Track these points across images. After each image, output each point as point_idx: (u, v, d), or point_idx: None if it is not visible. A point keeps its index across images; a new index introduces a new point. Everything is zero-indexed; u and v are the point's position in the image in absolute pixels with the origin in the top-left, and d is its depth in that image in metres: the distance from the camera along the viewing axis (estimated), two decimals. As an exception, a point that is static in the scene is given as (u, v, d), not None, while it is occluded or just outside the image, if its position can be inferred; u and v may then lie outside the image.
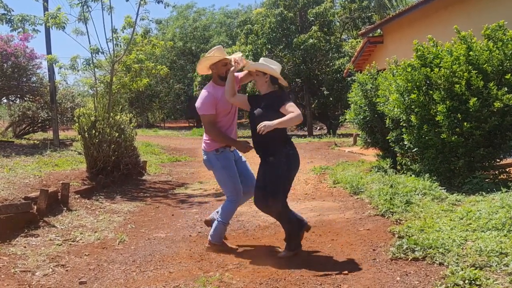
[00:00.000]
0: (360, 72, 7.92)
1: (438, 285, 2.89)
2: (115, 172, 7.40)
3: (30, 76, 11.13)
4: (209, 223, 4.19)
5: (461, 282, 2.83)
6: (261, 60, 3.83)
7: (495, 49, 5.37)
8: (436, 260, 3.27)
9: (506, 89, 5.19)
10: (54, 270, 3.56)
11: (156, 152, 13.08)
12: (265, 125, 3.43)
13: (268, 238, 4.36)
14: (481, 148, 5.35)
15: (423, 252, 3.39)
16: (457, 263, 3.13)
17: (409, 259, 3.38)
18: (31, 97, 11.73)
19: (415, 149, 5.95)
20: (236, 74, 3.94)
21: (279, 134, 3.62)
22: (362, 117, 7.51)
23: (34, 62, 10.94)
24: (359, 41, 18.77)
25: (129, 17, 7.82)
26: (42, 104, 11.77)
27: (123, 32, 7.90)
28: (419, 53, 5.76)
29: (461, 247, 3.36)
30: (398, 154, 7.29)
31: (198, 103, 3.96)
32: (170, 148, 14.86)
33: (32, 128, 12.51)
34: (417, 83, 5.67)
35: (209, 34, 33.62)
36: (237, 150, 4.07)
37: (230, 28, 33.55)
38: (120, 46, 8.11)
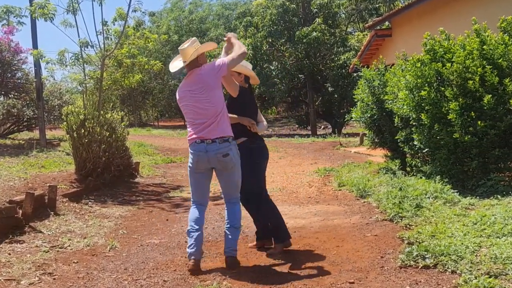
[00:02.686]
0: (367, 68, 7.92)
1: (450, 294, 2.89)
2: (106, 174, 7.40)
3: (15, 71, 11.14)
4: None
5: (475, 292, 2.83)
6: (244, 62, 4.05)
7: (511, 42, 5.37)
8: (448, 268, 3.26)
9: (522, 85, 5.19)
10: (41, 279, 3.55)
11: (149, 152, 13.08)
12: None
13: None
14: (496, 149, 5.35)
15: (434, 260, 3.38)
16: (471, 271, 3.12)
17: (420, 267, 3.37)
18: (16, 94, 11.74)
19: (426, 149, 5.95)
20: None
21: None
22: (369, 115, 7.51)
23: (19, 56, 10.95)
24: (366, 34, 18.77)
25: (120, 9, 7.82)
26: (27, 102, 11.77)
27: (114, 24, 7.91)
28: (428, 47, 5.76)
29: (475, 254, 3.36)
30: (407, 155, 7.29)
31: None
32: (164, 148, 14.86)
33: (17, 127, 12.51)
34: (428, 79, 5.67)
35: (206, 27, 33.62)
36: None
37: (229, 21, 33.53)
38: (111, 40, 8.11)
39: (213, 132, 3.63)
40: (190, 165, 3.78)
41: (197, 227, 3.67)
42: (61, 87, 14.05)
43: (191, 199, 3.87)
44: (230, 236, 3.71)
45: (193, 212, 3.76)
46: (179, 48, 3.80)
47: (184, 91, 3.76)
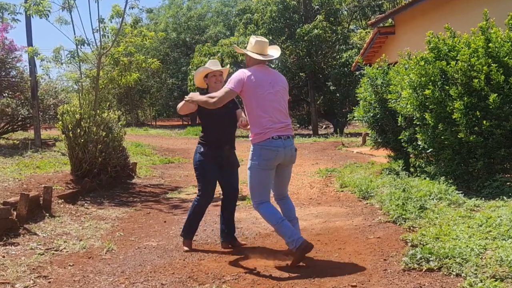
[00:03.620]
0: (370, 66, 7.92)
1: (455, 298, 2.89)
2: (102, 175, 7.40)
3: (9, 70, 11.13)
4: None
5: (480, 295, 2.83)
6: (209, 63, 4.37)
7: (517, 40, 5.37)
8: (452, 271, 3.27)
9: (529, 84, 5.19)
10: (36, 282, 3.55)
11: (147, 153, 13.09)
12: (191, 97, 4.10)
13: (270, 247, 4.36)
14: (502, 149, 5.35)
15: (438, 262, 3.39)
16: (476, 274, 3.13)
17: (423, 270, 3.38)
18: (10, 93, 11.72)
19: (430, 149, 5.96)
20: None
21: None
22: (372, 114, 7.52)
23: (13, 54, 10.94)
24: (369, 32, 18.79)
25: (117, 6, 7.82)
26: (22, 101, 11.76)
27: (111, 22, 7.91)
28: (431, 45, 5.76)
29: (480, 256, 3.36)
30: (411, 155, 7.29)
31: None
32: (162, 148, 14.87)
33: (11, 126, 12.50)
34: (432, 78, 5.67)
35: (204, 24, 33.66)
36: None
37: (228, 18, 33.57)
38: (108, 37, 8.10)
39: (290, 130, 3.95)
40: (265, 161, 3.81)
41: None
42: (56, 85, 14.03)
43: (262, 200, 3.87)
44: (296, 226, 3.95)
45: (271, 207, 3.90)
46: (262, 40, 3.98)
47: (268, 83, 3.86)
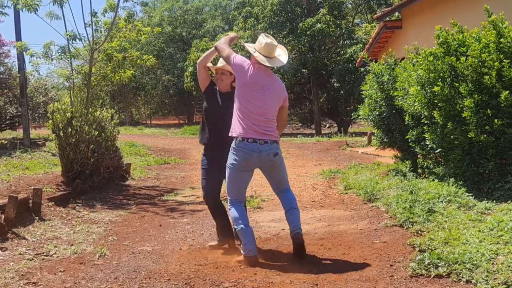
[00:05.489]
0: (376, 62, 7.92)
1: (465, 305, 2.89)
2: (95, 176, 7.40)
3: (-3, 66, 11.14)
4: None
5: (491, 303, 2.83)
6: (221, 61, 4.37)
7: (530, 35, 5.37)
8: (462, 277, 3.27)
9: (542, 81, 5.19)
10: (25, 289, 3.56)
11: (141, 153, 13.09)
12: None
13: (270, 252, 4.36)
14: (514, 149, 5.35)
15: (447, 268, 3.39)
16: (487, 280, 3.13)
17: (432, 276, 3.38)
18: (-2, 90, 11.74)
19: (439, 149, 5.95)
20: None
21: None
22: (377, 113, 7.51)
23: (1, 50, 10.95)
24: (374, 26, 18.78)
25: (111, -1, 7.82)
26: (10, 98, 11.78)
27: (103, 16, 7.91)
28: (441, 39, 5.76)
29: (491, 262, 3.36)
30: (419, 156, 7.29)
31: None
32: (157, 148, 14.88)
33: (-1, 125, 12.52)
34: (441, 74, 5.67)
35: (202, 18, 33.67)
36: None
37: (226, 11, 33.59)
38: (101, 32, 8.11)
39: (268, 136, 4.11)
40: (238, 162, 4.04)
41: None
42: (46, 82, 14.06)
43: (235, 199, 4.11)
44: (292, 216, 4.10)
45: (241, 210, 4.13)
46: (272, 43, 4.04)
47: (260, 86, 3.99)
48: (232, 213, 4.08)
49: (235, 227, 4.07)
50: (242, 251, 4.00)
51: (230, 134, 4.02)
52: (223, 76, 4.45)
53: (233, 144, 3.99)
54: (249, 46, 4.16)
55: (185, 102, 34.40)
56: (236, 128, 3.98)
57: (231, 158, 4.01)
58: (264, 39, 4.07)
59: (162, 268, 3.97)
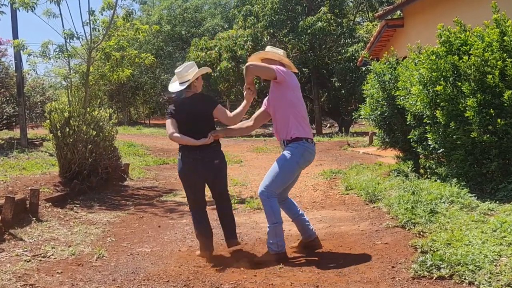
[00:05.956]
0: (377, 61, 7.92)
1: (468, 308, 2.89)
2: (93, 177, 7.40)
3: (-6, 65, 11.13)
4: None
5: (494, 305, 2.83)
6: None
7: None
8: (465, 278, 3.27)
9: (546, 80, 5.18)
10: (22, 291, 3.55)
11: (140, 153, 13.09)
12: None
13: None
14: (518, 149, 5.35)
15: (450, 270, 3.39)
16: (490, 282, 3.13)
17: (434, 278, 3.38)
18: (-6, 89, 11.73)
19: (441, 150, 5.95)
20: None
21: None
22: (379, 112, 7.52)
23: (-2, 48, 10.94)
24: (376, 25, 18.79)
25: (109, -3, 7.81)
26: (7, 98, 11.77)
27: (101, 14, 7.90)
28: (443, 38, 5.76)
29: (494, 263, 3.36)
30: (421, 156, 7.29)
31: None
32: (156, 148, 14.87)
33: (-4, 125, 12.52)
34: (443, 73, 5.67)
35: (201, 16, 33.68)
36: None
37: (226, 9, 33.60)
38: (99, 31, 8.10)
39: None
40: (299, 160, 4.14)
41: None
42: (44, 82, 14.05)
43: (275, 194, 4.12)
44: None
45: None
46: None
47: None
48: (272, 206, 4.05)
49: (270, 222, 4.02)
50: (272, 248, 4.02)
51: (291, 136, 4.12)
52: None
53: (302, 143, 4.10)
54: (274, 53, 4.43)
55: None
56: (300, 129, 4.13)
57: (297, 156, 4.09)
58: (283, 53, 4.53)
59: (161, 270, 3.97)
